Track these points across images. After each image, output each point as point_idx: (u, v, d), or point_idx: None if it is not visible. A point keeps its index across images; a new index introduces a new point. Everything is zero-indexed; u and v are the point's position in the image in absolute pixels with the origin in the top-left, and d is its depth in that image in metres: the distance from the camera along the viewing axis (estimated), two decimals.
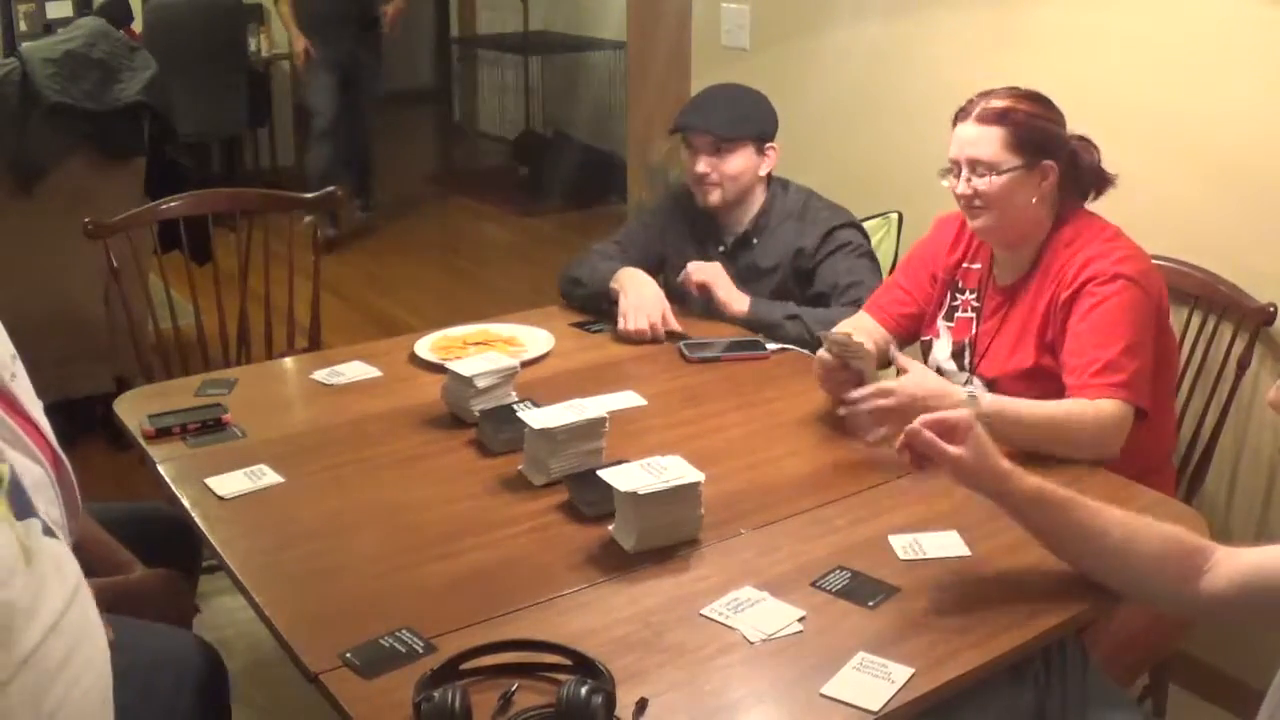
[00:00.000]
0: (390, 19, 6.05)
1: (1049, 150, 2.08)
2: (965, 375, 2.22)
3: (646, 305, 2.52)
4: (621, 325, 2.51)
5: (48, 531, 1.21)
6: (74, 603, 1.20)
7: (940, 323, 2.30)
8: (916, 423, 1.62)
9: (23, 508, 1.17)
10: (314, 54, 5.75)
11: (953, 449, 1.58)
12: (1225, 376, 2.41)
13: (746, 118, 2.62)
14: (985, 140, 2.07)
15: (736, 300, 2.54)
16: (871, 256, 2.66)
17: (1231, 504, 2.52)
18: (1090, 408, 1.97)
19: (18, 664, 1.08)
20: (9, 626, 1.08)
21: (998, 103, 2.09)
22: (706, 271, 2.58)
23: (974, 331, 2.23)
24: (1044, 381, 2.07)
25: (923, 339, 2.34)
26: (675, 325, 2.51)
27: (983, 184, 2.08)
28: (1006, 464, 1.59)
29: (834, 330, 2.12)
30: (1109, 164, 2.15)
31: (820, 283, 2.58)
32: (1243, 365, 2.38)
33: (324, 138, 5.81)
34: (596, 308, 2.64)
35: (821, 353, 2.09)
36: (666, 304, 2.54)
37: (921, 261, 2.34)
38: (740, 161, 2.60)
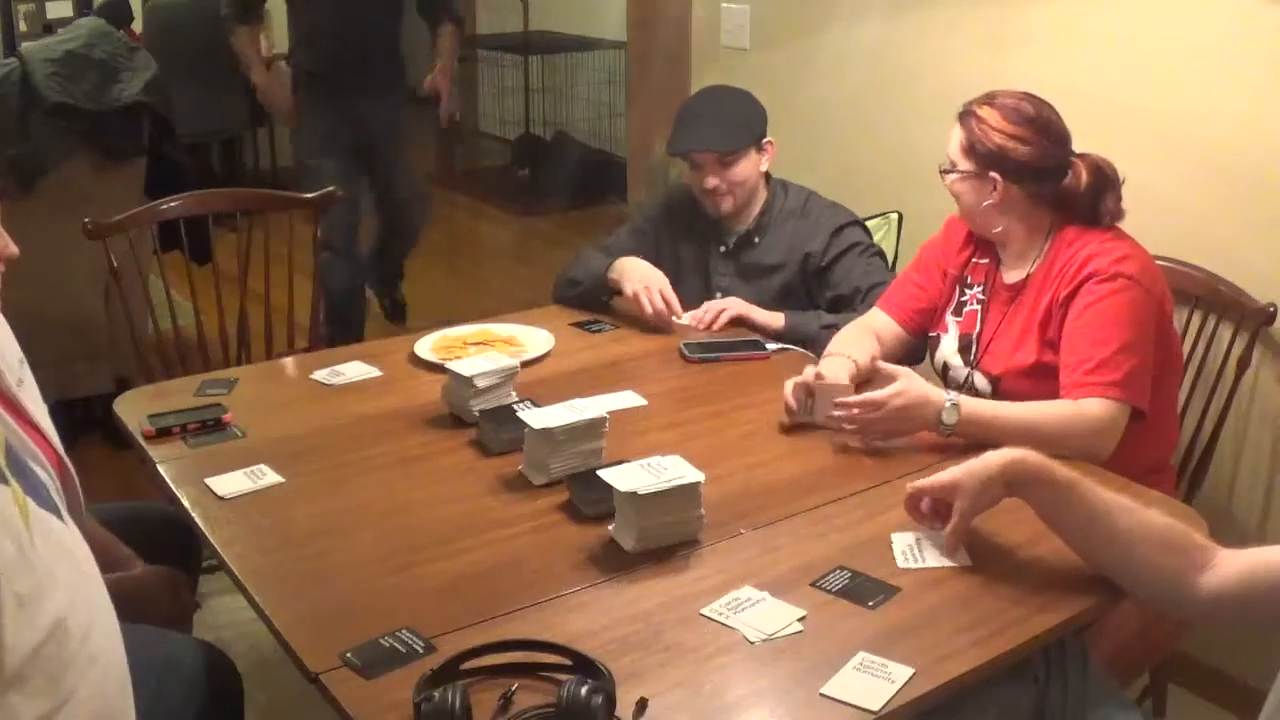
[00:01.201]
0: (439, 97, 4.50)
1: (998, 165, 2.10)
2: (967, 370, 2.23)
3: (654, 284, 2.55)
4: (643, 313, 2.54)
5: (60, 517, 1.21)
6: (86, 588, 1.19)
7: (949, 317, 2.31)
8: (910, 493, 1.71)
9: (40, 495, 1.17)
10: (312, 121, 4.20)
11: (958, 503, 1.64)
12: (1225, 376, 2.41)
13: (742, 125, 2.64)
14: (953, 139, 2.16)
15: (773, 319, 2.57)
16: (881, 254, 2.69)
17: (1231, 504, 2.52)
18: (1072, 409, 1.97)
19: (33, 648, 1.08)
20: (17, 610, 1.07)
21: (974, 106, 2.15)
22: (733, 306, 2.58)
23: (979, 326, 2.24)
24: (1048, 379, 2.06)
25: (930, 335, 2.34)
26: (678, 307, 2.55)
27: (948, 179, 2.17)
28: (999, 458, 1.61)
29: (824, 373, 2.11)
30: None
31: (840, 285, 2.60)
32: (1243, 365, 2.38)
33: (336, 253, 3.97)
34: (595, 302, 2.65)
35: (797, 394, 2.08)
36: (667, 283, 2.57)
37: (933, 259, 2.36)
38: (746, 167, 2.63)
